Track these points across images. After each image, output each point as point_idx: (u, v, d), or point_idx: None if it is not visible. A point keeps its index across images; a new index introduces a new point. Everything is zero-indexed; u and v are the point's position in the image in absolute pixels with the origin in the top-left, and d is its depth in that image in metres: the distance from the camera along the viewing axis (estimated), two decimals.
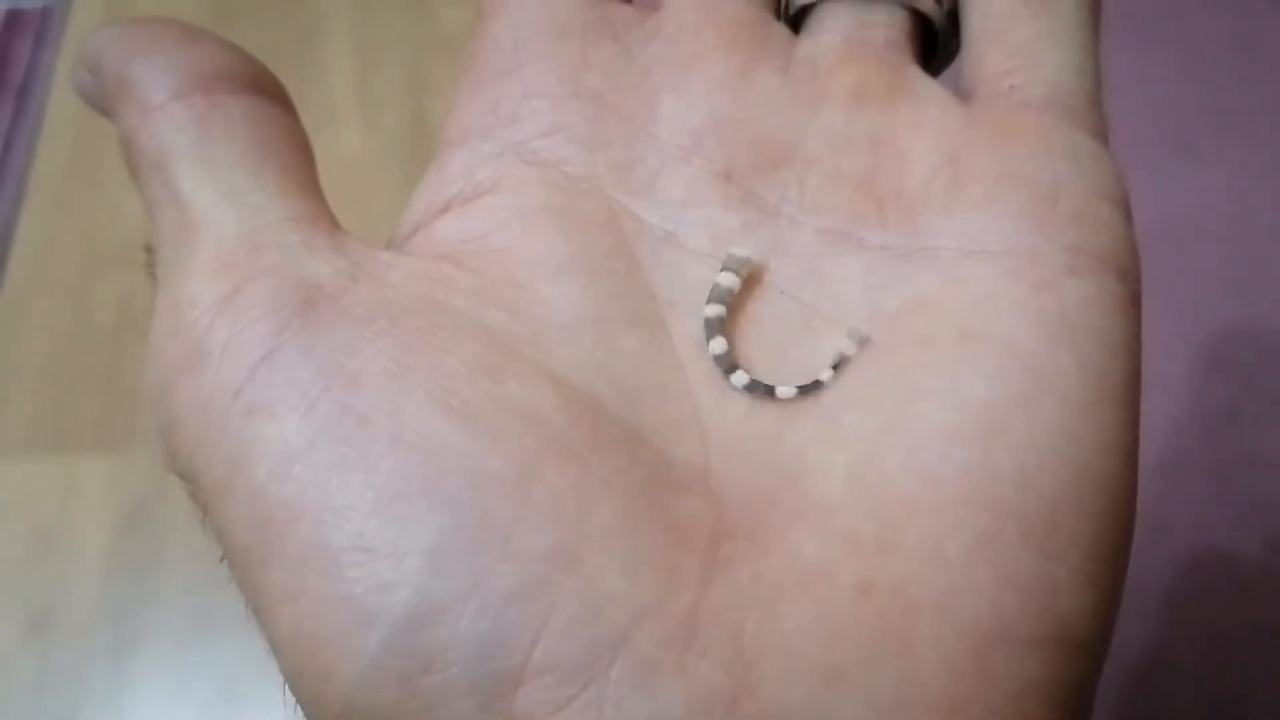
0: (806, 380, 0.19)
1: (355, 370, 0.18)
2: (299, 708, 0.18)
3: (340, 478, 0.17)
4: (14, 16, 0.59)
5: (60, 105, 0.56)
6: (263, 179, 0.20)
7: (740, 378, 0.20)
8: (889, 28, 0.23)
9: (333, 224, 0.20)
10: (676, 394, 0.20)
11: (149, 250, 0.20)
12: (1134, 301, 0.20)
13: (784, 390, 0.19)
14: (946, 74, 0.24)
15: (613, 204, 0.21)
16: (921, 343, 0.19)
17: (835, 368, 0.19)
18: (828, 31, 0.23)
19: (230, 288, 0.19)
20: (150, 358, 0.19)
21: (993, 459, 0.18)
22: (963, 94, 0.22)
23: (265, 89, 0.21)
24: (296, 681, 0.17)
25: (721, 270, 0.20)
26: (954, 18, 0.23)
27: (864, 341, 0.19)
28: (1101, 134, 0.22)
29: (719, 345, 0.20)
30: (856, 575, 0.17)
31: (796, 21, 0.24)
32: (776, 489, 0.18)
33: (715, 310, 0.20)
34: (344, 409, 0.18)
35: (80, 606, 0.47)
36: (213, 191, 0.20)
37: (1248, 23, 0.55)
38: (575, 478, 0.17)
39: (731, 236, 0.21)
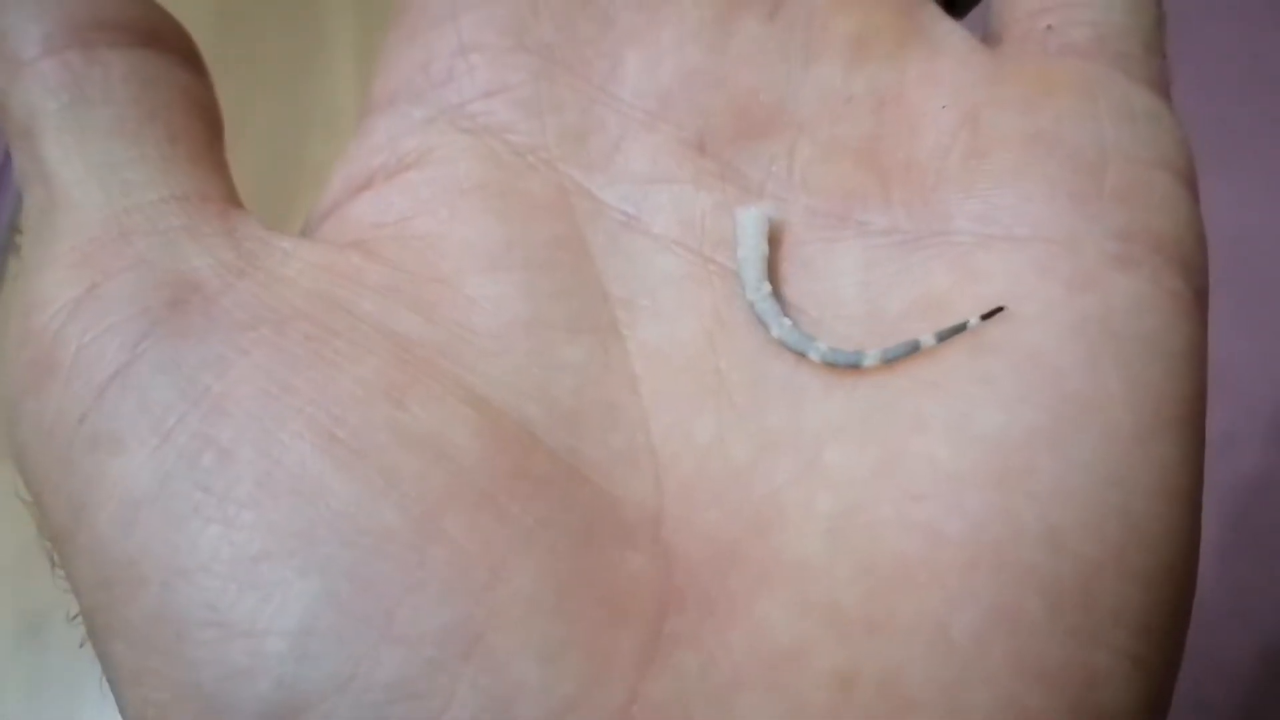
0: (897, 341, 0.15)
1: (223, 391, 0.15)
2: None
3: (193, 531, 0.14)
4: None
5: None
6: (143, 149, 0.17)
7: (819, 348, 0.16)
8: None
9: (228, 202, 0.17)
10: (628, 417, 0.16)
11: (18, 231, 0.17)
12: (1198, 300, 0.16)
13: (871, 357, 0.16)
14: (976, 18, 0.20)
15: (563, 181, 0.18)
16: (924, 357, 0.15)
17: (940, 335, 0.15)
18: None
19: (87, 285, 0.15)
20: (3, 368, 0.16)
21: (1013, 510, 0.14)
22: (990, 38, 0.18)
23: (162, 41, 0.18)
24: None
25: (748, 242, 0.17)
26: None
27: (994, 313, 0.15)
28: (1161, 86, 0.18)
29: (785, 325, 0.16)
30: (835, 661, 0.13)
31: None
32: (742, 542, 0.15)
33: (766, 289, 0.16)
34: (204, 441, 0.14)
35: (74, 611, 0.46)
36: (81, 165, 0.16)
37: (1253, 36, 0.55)
38: (487, 533, 0.14)
39: (704, 220, 0.17)
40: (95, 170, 0.16)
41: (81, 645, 0.15)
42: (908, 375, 0.15)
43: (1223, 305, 0.50)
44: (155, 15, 0.18)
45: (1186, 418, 0.15)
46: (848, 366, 0.16)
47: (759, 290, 0.17)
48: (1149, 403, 0.15)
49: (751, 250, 0.17)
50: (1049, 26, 0.17)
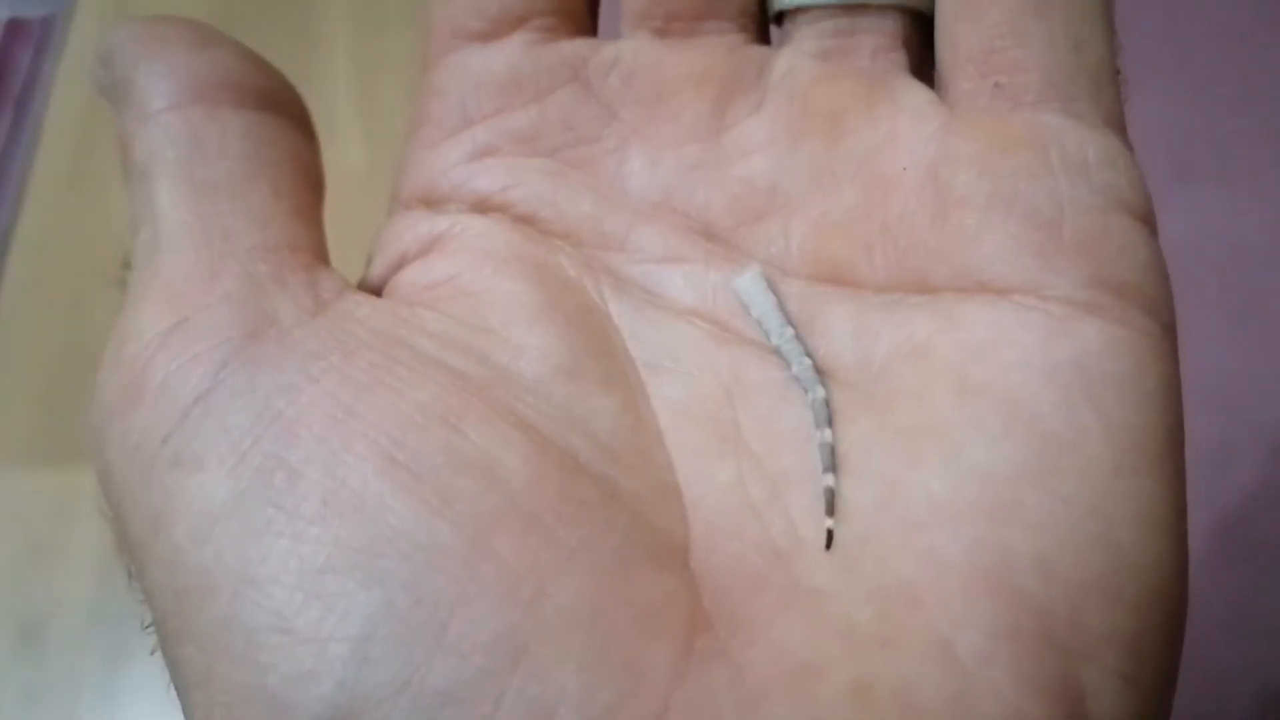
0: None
1: (295, 416, 0.16)
2: None
3: (264, 545, 0.15)
4: (14, 26, 0.59)
5: (59, 116, 0.56)
6: (248, 202, 0.18)
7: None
8: (876, 34, 0.20)
9: (317, 256, 0.19)
10: (656, 461, 0.17)
11: (126, 267, 0.19)
12: (1167, 335, 0.17)
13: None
14: None
15: (589, 258, 0.19)
16: (915, 398, 0.17)
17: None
18: (807, 40, 0.20)
19: (177, 319, 0.17)
20: (95, 392, 0.18)
21: (1004, 539, 0.15)
22: (940, 85, 0.19)
23: (278, 105, 0.20)
24: None
25: (757, 299, 0.18)
26: None
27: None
28: (1113, 120, 0.18)
29: (804, 365, 0.18)
30: (852, 674, 0.14)
31: (780, 18, 0.21)
32: (764, 571, 0.16)
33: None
34: (276, 462, 0.16)
35: (72, 617, 0.46)
36: (188, 212, 0.18)
37: (1249, 49, 0.55)
38: (534, 551, 0.15)
39: (714, 294, 0.19)
40: (199, 218, 0.18)
41: (153, 653, 0.16)
42: (904, 415, 0.17)
43: (1220, 319, 0.50)
44: (276, 83, 0.20)
45: (1164, 450, 0.16)
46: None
47: (783, 334, 0.18)
48: (1125, 438, 0.16)
49: (764, 304, 0.18)
50: (997, 84, 0.18)
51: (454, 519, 0.15)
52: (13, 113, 0.58)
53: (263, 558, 0.15)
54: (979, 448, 0.16)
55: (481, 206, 0.20)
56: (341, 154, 0.56)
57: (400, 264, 0.20)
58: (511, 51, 0.20)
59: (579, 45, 0.21)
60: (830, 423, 0.17)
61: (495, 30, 0.20)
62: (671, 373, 0.18)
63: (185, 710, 0.16)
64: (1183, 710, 0.46)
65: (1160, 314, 0.17)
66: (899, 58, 0.20)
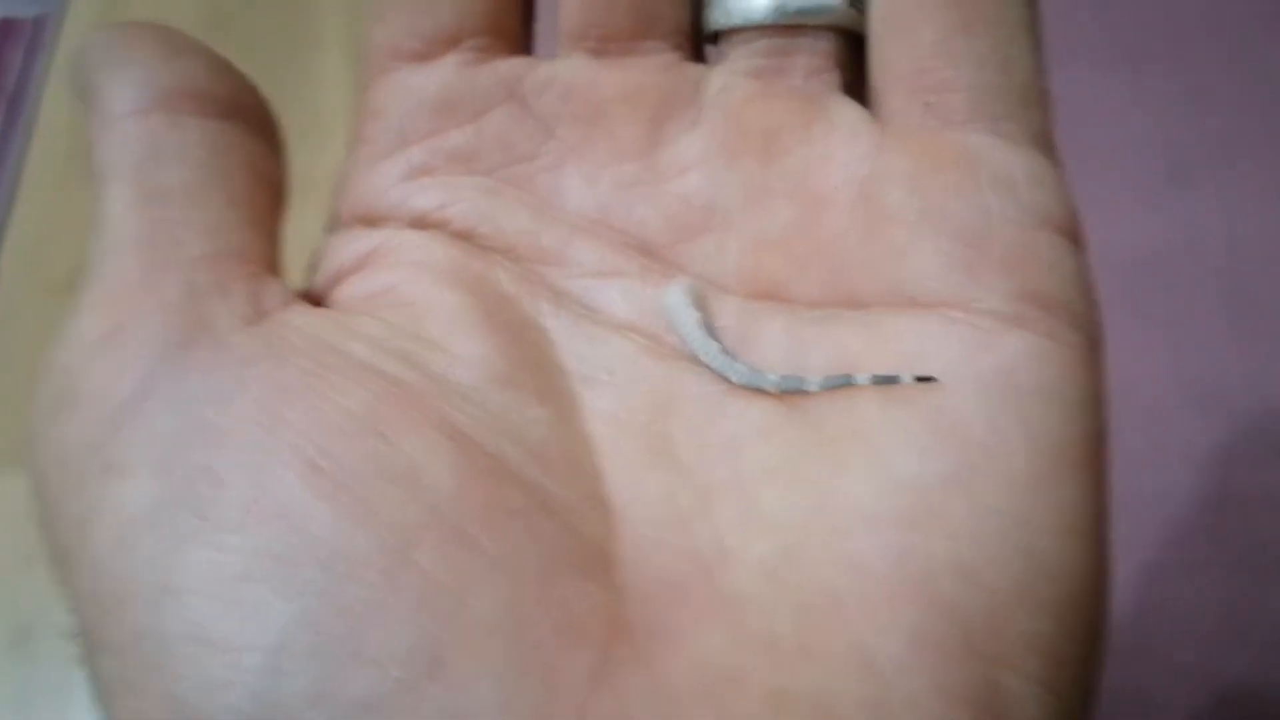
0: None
1: (223, 423, 0.16)
2: None
3: (184, 553, 0.15)
4: (6, 25, 0.59)
5: (52, 114, 0.56)
6: (200, 211, 0.18)
7: (772, 379, 0.18)
8: (811, 54, 0.20)
9: (266, 267, 0.19)
10: (587, 472, 0.18)
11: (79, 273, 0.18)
12: (1093, 348, 0.18)
13: (813, 383, 0.17)
14: None
15: (524, 271, 0.20)
16: (843, 411, 0.17)
17: (875, 380, 0.17)
18: (742, 59, 0.20)
19: (113, 326, 0.17)
20: (33, 398, 0.18)
21: (927, 546, 0.15)
22: (874, 103, 0.20)
23: (244, 114, 0.20)
24: None
25: (681, 315, 0.19)
26: None
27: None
28: (1041, 139, 0.19)
29: (740, 370, 0.18)
30: (771, 683, 0.15)
31: (715, 37, 0.21)
32: (688, 580, 0.16)
33: (714, 347, 0.18)
34: (202, 470, 0.16)
35: (63, 621, 0.46)
36: (137, 219, 0.18)
37: (1246, 48, 0.55)
38: (456, 561, 0.15)
39: (650, 309, 0.19)
40: (148, 224, 0.18)
41: (79, 664, 0.16)
42: (833, 426, 0.17)
43: (1216, 319, 0.50)
44: (243, 91, 0.20)
45: (1086, 460, 0.17)
46: (795, 391, 0.18)
47: (707, 350, 0.18)
48: (1047, 448, 0.16)
49: (687, 320, 0.18)
50: (927, 104, 0.19)
51: (375, 528, 0.15)
52: (4, 112, 0.57)
53: (182, 566, 0.15)
54: (905, 457, 0.16)
55: (419, 224, 0.20)
56: (335, 155, 0.55)
57: (337, 279, 0.20)
58: (447, 71, 0.20)
59: (515, 64, 0.21)
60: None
61: (431, 50, 0.21)
62: (606, 386, 0.18)
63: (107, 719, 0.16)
64: (1179, 713, 0.46)
65: (1085, 327, 0.18)
66: (833, 77, 0.20)
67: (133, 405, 0.16)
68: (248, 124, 0.20)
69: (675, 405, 0.18)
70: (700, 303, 0.19)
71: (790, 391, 0.18)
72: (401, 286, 0.19)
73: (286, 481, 0.15)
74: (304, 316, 0.18)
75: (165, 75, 0.19)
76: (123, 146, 0.18)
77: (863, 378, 0.17)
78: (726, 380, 0.18)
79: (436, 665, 0.14)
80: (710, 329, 0.19)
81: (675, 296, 0.19)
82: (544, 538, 0.16)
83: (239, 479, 0.15)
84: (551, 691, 0.14)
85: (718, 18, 0.21)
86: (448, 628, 0.15)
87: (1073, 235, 0.18)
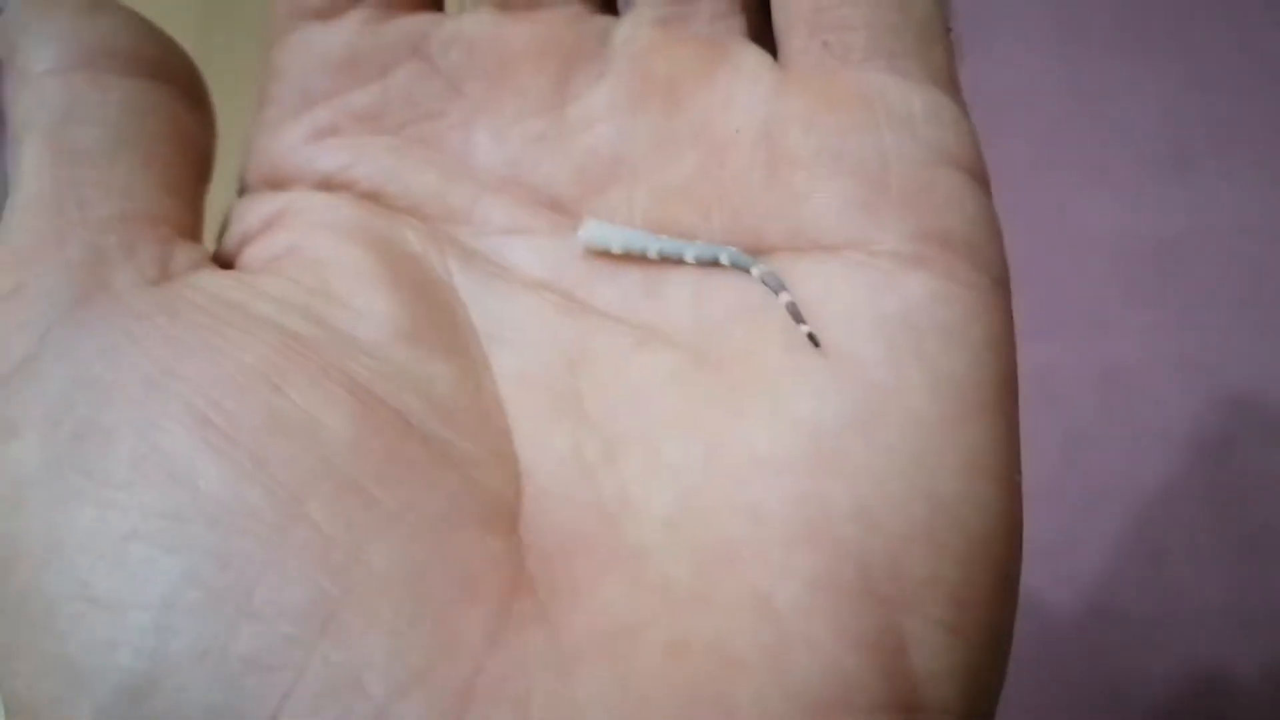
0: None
1: (112, 379, 0.16)
2: None
3: (71, 512, 0.15)
4: None
5: None
6: (113, 171, 0.18)
7: (693, 248, 0.18)
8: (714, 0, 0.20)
9: (181, 231, 0.19)
10: (494, 427, 0.17)
11: None
12: (998, 288, 0.17)
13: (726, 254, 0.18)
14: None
15: (432, 230, 0.19)
16: (745, 356, 0.17)
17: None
18: (646, 7, 0.20)
19: (15, 284, 0.17)
20: None
21: (826, 490, 0.15)
22: (780, 51, 0.20)
23: (169, 76, 0.19)
24: None
25: (613, 236, 0.19)
26: None
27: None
28: (941, 76, 0.18)
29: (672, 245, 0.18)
30: (668, 632, 0.15)
31: None
32: (591, 533, 0.16)
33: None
34: (90, 427, 0.15)
35: None
36: (48, 178, 0.18)
37: (1251, 33, 0.55)
38: (349, 515, 0.15)
39: (560, 264, 0.19)
40: (57, 183, 0.17)
41: None
42: (736, 372, 0.17)
43: (1223, 306, 0.50)
44: (167, 53, 0.19)
45: (992, 402, 0.16)
46: (710, 262, 0.18)
47: (662, 243, 0.19)
48: (950, 391, 0.16)
49: (622, 233, 0.19)
50: (826, 43, 0.18)
51: (266, 482, 0.15)
52: None
53: (69, 525, 0.15)
54: (804, 401, 0.16)
55: (325, 185, 0.20)
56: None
57: (244, 241, 0.20)
58: (350, 29, 0.20)
59: (419, 20, 0.20)
60: (785, 287, 0.18)
61: (333, 7, 0.20)
62: (513, 344, 0.18)
63: (0, 689, 0.15)
64: (1184, 700, 0.46)
65: (989, 266, 0.17)
66: (737, 22, 0.20)
67: (25, 365, 0.16)
68: (173, 86, 0.19)
69: (584, 360, 0.18)
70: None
71: (739, 266, 0.18)
72: (306, 246, 0.19)
73: (175, 436, 0.15)
74: (209, 277, 0.18)
75: (87, 33, 0.19)
76: (39, 105, 0.18)
77: (755, 268, 0.18)
78: (638, 327, 0.18)
79: (327, 620, 0.14)
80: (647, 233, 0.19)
81: (594, 225, 0.19)
82: (444, 491, 0.16)
83: (127, 435, 0.15)
84: (447, 647, 0.14)
85: None
86: (339, 583, 0.14)
87: (975, 172, 0.18)
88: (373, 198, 0.20)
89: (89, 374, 0.16)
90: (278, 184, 0.20)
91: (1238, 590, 0.45)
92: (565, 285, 0.19)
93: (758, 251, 0.18)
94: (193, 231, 0.19)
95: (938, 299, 0.17)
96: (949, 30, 0.19)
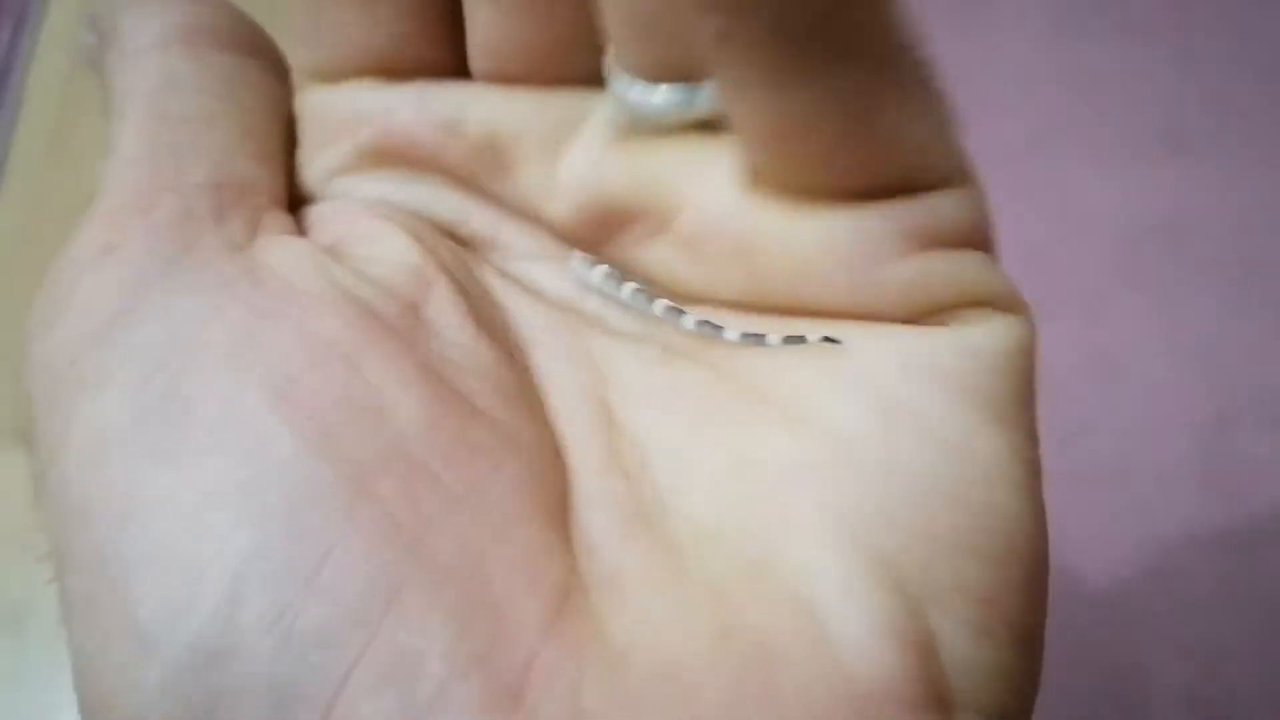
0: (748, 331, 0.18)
1: (199, 344, 0.16)
2: None
3: (149, 474, 0.15)
4: None
5: (39, 92, 0.56)
6: (211, 138, 0.19)
7: (688, 320, 0.18)
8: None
9: (273, 199, 0.19)
10: (545, 420, 0.18)
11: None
12: (1015, 305, 0.18)
13: (730, 334, 0.18)
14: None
15: (456, 250, 0.20)
16: (768, 373, 0.18)
17: (785, 339, 0.17)
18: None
19: (107, 242, 0.17)
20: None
21: (853, 495, 0.16)
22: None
23: (259, 53, 0.20)
24: (82, 713, 0.15)
25: (624, 283, 0.19)
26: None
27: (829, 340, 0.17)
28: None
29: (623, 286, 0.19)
30: (712, 625, 0.15)
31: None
32: (633, 534, 0.17)
33: (661, 305, 0.19)
34: (173, 391, 0.16)
35: (55, 603, 0.46)
36: (147, 141, 0.18)
37: (1244, 15, 0.55)
38: (417, 497, 0.15)
39: (585, 291, 0.20)
40: (155, 146, 0.18)
41: (48, 582, 0.16)
42: (758, 387, 0.18)
43: (1216, 288, 0.50)
44: (258, 33, 0.20)
45: (1012, 414, 0.17)
46: (712, 337, 0.18)
47: (647, 305, 0.19)
48: (970, 404, 0.16)
49: (608, 281, 0.19)
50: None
51: (338, 460, 0.15)
52: None
53: (150, 485, 0.15)
54: (828, 411, 0.17)
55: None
56: None
57: (348, 168, 0.20)
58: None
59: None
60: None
61: (343, 76, 0.21)
62: (547, 348, 0.19)
63: (69, 644, 0.16)
64: (1180, 685, 0.46)
65: (1010, 304, 0.18)
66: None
67: (114, 321, 0.16)
68: (263, 60, 0.20)
69: (613, 372, 0.18)
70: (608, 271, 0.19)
71: (707, 336, 0.18)
72: (364, 224, 0.19)
73: (254, 407, 0.15)
74: (292, 243, 0.18)
75: (184, 12, 0.20)
76: (141, 77, 0.19)
77: (773, 338, 0.17)
78: (658, 346, 0.19)
79: (391, 600, 0.14)
80: (625, 278, 0.19)
81: (582, 267, 0.19)
82: (508, 477, 0.16)
83: (209, 402, 0.15)
84: (503, 636, 0.15)
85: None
86: (404, 563, 0.15)
87: (984, 246, 0.18)
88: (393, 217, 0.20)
89: (176, 336, 0.16)
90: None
91: (1233, 575, 0.45)
92: (590, 309, 0.19)
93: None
94: (282, 199, 0.19)
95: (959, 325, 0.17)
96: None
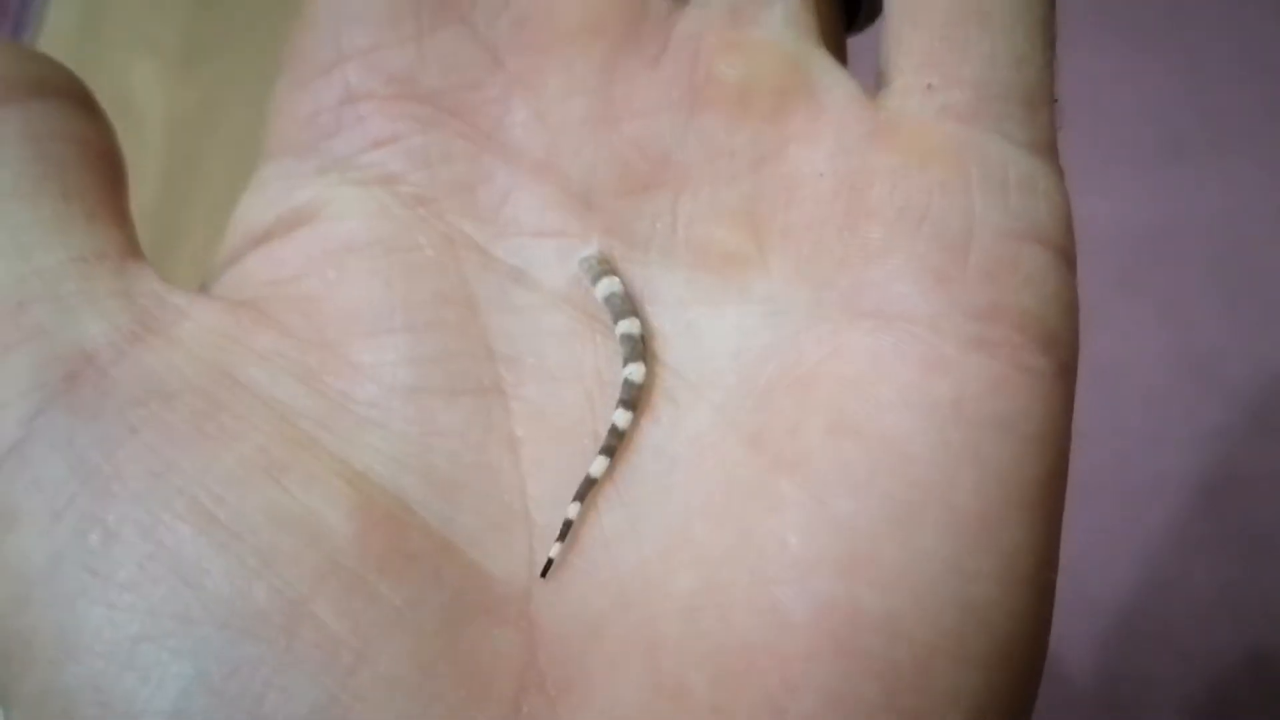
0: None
1: (111, 471, 0.15)
2: None
3: (79, 611, 0.14)
4: None
5: None
6: (39, 211, 0.16)
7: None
8: None
9: (126, 256, 0.17)
10: (505, 482, 0.17)
11: None
12: (1062, 375, 0.16)
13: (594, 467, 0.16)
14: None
15: (452, 233, 0.18)
16: (787, 434, 0.16)
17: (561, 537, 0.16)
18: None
19: None
20: None
21: (856, 597, 0.15)
22: (878, 82, 0.18)
23: (54, 90, 0.17)
24: None
25: (601, 279, 0.17)
26: None
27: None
28: (1043, 143, 0.17)
29: (638, 372, 0.17)
30: None
31: None
32: (606, 618, 0.15)
33: (634, 326, 0.17)
34: (92, 522, 0.15)
35: None
36: None
37: (1244, 23, 0.55)
38: (355, 614, 0.15)
39: (595, 279, 0.18)
40: None
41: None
42: (772, 453, 0.16)
43: (1212, 296, 0.50)
44: (43, 66, 0.18)
45: (1037, 500, 0.16)
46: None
47: (616, 329, 0.17)
48: (996, 488, 0.15)
49: (605, 289, 0.17)
50: (929, 85, 0.17)
51: (272, 582, 0.15)
52: None
53: (78, 626, 0.14)
54: (843, 497, 0.15)
55: (348, 166, 0.18)
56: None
57: (254, 243, 0.18)
58: None
59: None
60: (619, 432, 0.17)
61: None
62: (533, 370, 0.17)
63: None
64: (1178, 694, 0.46)
65: (1058, 351, 0.16)
66: (810, 24, 0.19)
67: (17, 450, 0.15)
68: (60, 100, 0.17)
69: (607, 399, 0.17)
70: (611, 268, 0.18)
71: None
72: (306, 279, 0.17)
73: (180, 534, 0.15)
74: (194, 329, 0.17)
75: None
76: None
77: (555, 549, 0.16)
78: (671, 369, 0.17)
79: None
80: (626, 296, 0.18)
81: (584, 265, 0.18)
82: (449, 583, 0.15)
83: (131, 532, 0.15)
84: None
85: None
86: (348, 686, 0.14)
87: (1061, 250, 0.17)
88: (394, 180, 0.18)
89: (87, 465, 0.15)
90: (303, 151, 0.19)
91: (1230, 582, 0.45)
92: (588, 301, 0.18)
93: (814, 305, 0.17)
94: (134, 249, 0.17)
95: (996, 388, 0.16)
96: (1055, 99, 0.18)
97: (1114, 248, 0.50)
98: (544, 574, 0.16)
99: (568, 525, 0.16)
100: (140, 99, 0.55)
